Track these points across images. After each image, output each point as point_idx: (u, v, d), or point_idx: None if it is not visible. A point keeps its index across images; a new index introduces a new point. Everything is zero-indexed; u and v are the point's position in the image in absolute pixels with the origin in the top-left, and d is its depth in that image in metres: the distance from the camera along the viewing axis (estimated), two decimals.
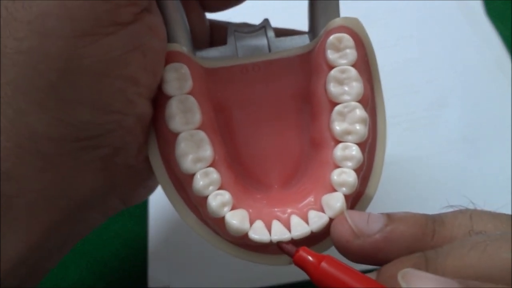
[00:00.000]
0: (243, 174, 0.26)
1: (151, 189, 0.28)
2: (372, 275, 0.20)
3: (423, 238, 0.20)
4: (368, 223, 0.21)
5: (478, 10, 0.46)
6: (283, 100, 0.26)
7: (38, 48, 0.20)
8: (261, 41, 0.27)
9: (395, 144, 0.38)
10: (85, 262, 0.34)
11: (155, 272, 0.34)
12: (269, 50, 0.27)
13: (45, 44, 0.20)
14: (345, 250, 0.21)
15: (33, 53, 0.20)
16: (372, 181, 0.25)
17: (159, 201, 0.29)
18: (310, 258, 0.20)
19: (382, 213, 0.21)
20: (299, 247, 0.21)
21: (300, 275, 0.33)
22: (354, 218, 0.21)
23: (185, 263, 0.34)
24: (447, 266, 0.18)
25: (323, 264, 0.20)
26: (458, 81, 0.42)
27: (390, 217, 0.21)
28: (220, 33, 0.28)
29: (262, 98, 0.26)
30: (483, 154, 0.38)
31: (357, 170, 0.23)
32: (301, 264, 0.20)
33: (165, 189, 0.25)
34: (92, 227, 0.26)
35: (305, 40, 0.27)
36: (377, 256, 0.20)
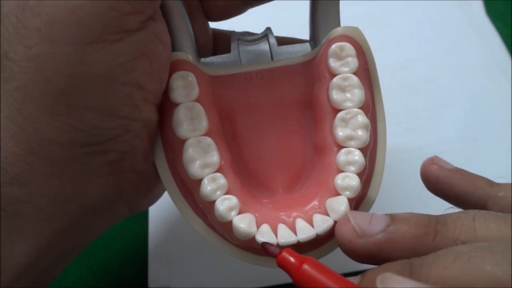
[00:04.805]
0: (248, 179, 0.26)
1: (157, 196, 0.29)
2: (356, 279, 0.20)
3: (425, 239, 0.20)
4: (370, 223, 0.21)
5: (479, 10, 0.46)
6: (286, 106, 0.26)
7: (47, 55, 0.20)
8: (264, 49, 0.27)
9: (396, 144, 0.38)
10: (85, 262, 0.34)
11: (155, 272, 0.34)
12: (272, 58, 0.27)
13: (54, 51, 0.20)
14: (348, 250, 0.21)
15: (42, 59, 0.20)
16: (374, 184, 0.26)
17: (159, 202, 0.29)
18: (292, 259, 0.20)
19: (385, 214, 0.21)
20: (283, 249, 0.21)
21: None
22: (357, 218, 0.21)
23: (185, 263, 0.34)
24: (430, 275, 0.18)
25: (305, 266, 0.20)
26: (458, 81, 0.42)
27: (392, 218, 0.21)
28: (223, 42, 0.28)
29: (265, 104, 0.26)
30: (483, 153, 0.38)
31: (360, 174, 0.24)
32: (283, 266, 0.20)
33: (171, 194, 0.25)
34: (97, 234, 0.26)
35: (306, 48, 0.27)
36: (380, 256, 0.20)
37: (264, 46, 0.27)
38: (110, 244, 0.35)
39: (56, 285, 0.33)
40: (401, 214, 0.21)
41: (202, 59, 0.27)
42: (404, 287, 0.18)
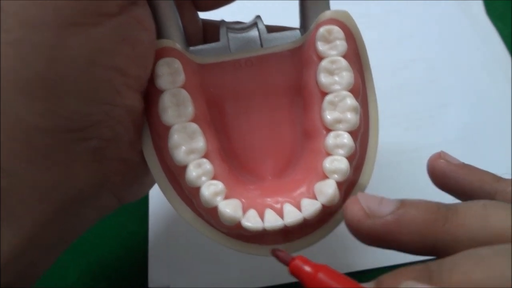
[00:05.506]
0: (237, 166, 0.26)
1: (147, 187, 0.28)
2: (370, 285, 0.20)
3: (434, 224, 0.20)
4: (380, 205, 0.21)
5: (479, 9, 0.46)
6: (275, 93, 0.26)
7: (25, 38, 0.20)
8: (253, 37, 0.27)
9: (396, 144, 0.38)
10: (85, 262, 0.34)
11: (155, 272, 0.34)
12: (261, 45, 0.27)
13: (32, 35, 0.20)
14: (356, 231, 0.21)
15: (20, 44, 0.20)
16: (366, 170, 0.25)
17: (159, 201, 0.29)
18: (307, 268, 0.20)
19: (395, 198, 0.21)
20: (295, 256, 0.21)
21: None
22: (367, 199, 0.21)
23: (185, 263, 0.34)
24: (452, 281, 0.18)
25: (320, 275, 0.19)
26: (458, 80, 0.42)
27: (402, 202, 0.21)
28: (213, 32, 0.28)
29: (255, 92, 0.26)
30: (483, 153, 0.38)
31: (349, 158, 0.24)
32: (297, 274, 0.20)
33: (159, 183, 0.25)
34: (87, 225, 0.26)
35: (296, 35, 0.27)
36: (387, 238, 0.20)
37: (253, 33, 0.27)
38: (110, 244, 0.35)
39: (56, 285, 0.33)
40: (411, 199, 0.21)
41: (191, 48, 0.27)
42: None
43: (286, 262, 0.21)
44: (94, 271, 0.34)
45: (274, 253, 0.22)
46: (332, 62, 0.24)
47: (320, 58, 0.25)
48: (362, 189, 0.25)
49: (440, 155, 0.24)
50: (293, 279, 0.33)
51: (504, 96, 0.40)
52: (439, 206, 0.21)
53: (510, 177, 0.23)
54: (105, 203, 0.26)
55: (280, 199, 0.24)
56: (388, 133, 0.39)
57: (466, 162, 0.37)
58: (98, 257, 0.35)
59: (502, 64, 0.42)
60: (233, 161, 0.26)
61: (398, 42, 0.44)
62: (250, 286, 0.33)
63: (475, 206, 0.20)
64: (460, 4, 0.46)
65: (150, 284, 0.33)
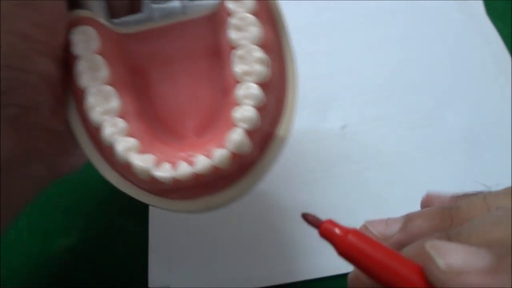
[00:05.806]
0: (162, 130, 0.27)
1: (81, 159, 0.28)
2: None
3: (442, 226, 0.21)
4: (387, 226, 0.22)
5: (479, 9, 0.46)
6: (196, 57, 0.27)
7: None
8: (175, 5, 0.28)
9: (396, 144, 0.38)
10: (85, 262, 0.34)
11: (155, 272, 0.34)
12: (184, 13, 0.28)
13: None
14: None
15: None
16: (284, 123, 0.26)
17: None
18: (336, 230, 0.20)
19: (399, 216, 0.22)
20: (325, 220, 0.21)
21: (299, 275, 0.33)
22: (374, 225, 0.22)
23: (185, 263, 0.34)
24: (472, 242, 0.18)
25: (350, 237, 0.20)
26: (458, 81, 0.42)
27: (407, 216, 0.22)
28: (139, 5, 0.29)
29: (177, 57, 0.27)
30: (483, 153, 0.38)
31: (259, 108, 0.24)
32: (327, 236, 0.21)
33: (85, 149, 0.26)
34: (24, 199, 0.26)
35: (217, 1, 0.28)
36: None
37: (176, 2, 0.28)
38: (110, 244, 0.35)
39: (57, 285, 0.33)
40: (415, 212, 0.22)
41: (116, 20, 0.28)
42: (461, 256, 0.17)
43: (316, 225, 0.21)
44: (94, 271, 0.34)
45: (303, 217, 0.22)
46: (241, 18, 0.25)
47: (230, 15, 0.26)
48: (282, 142, 0.26)
49: (428, 197, 0.25)
50: (292, 279, 0.33)
51: (504, 96, 0.40)
52: (442, 209, 0.21)
53: (503, 187, 0.23)
54: (36, 173, 0.26)
55: (194, 152, 0.24)
56: (388, 133, 0.39)
57: (466, 162, 0.37)
58: (98, 257, 0.35)
59: (502, 64, 0.42)
60: (157, 125, 0.27)
61: (398, 42, 0.44)
62: (250, 286, 0.33)
63: (476, 199, 0.21)
64: (460, 4, 0.46)
65: (150, 284, 0.33)
